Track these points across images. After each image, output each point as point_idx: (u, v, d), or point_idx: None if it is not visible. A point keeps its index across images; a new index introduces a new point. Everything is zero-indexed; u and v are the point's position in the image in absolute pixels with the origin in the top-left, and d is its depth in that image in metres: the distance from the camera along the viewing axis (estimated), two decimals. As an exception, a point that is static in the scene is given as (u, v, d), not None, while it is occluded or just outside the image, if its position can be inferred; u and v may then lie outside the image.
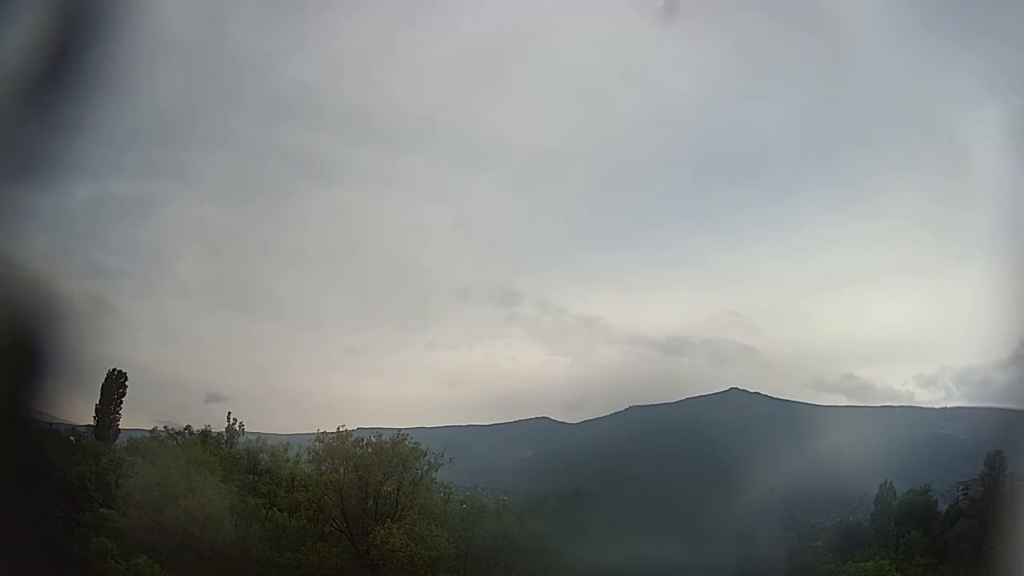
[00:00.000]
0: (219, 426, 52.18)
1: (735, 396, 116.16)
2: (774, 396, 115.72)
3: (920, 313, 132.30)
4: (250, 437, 53.47)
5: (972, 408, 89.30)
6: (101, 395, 53.74)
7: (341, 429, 46.64)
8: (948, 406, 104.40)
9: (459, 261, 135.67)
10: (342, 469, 45.04)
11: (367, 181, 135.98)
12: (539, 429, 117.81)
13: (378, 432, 47.80)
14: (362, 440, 46.14)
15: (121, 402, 55.02)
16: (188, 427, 50.03)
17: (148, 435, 49.62)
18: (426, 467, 46.32)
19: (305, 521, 44.50)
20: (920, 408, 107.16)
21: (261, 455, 51.13)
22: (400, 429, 47.91)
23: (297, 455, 50.40)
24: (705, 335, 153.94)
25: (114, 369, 53.98)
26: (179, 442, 48.28)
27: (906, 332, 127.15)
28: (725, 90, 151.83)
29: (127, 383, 54.93)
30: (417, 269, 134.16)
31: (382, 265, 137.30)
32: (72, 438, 48.97)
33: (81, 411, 49.60)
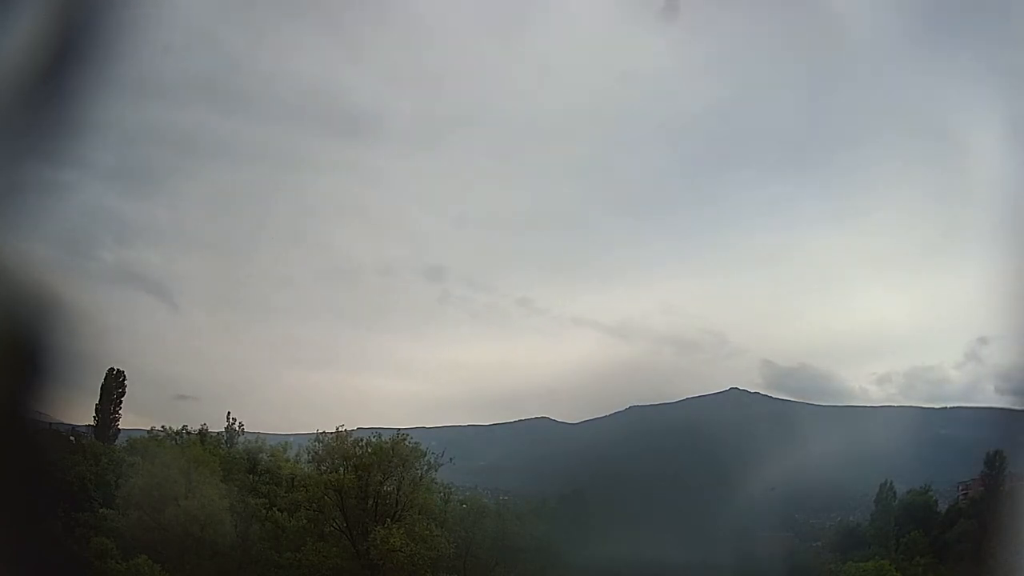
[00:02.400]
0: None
1: (735, 396, 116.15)
2: (774, 396, 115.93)
3: (889, 310, 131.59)
4: (249, 437, 53.59)
5: (972, 408, 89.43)
6: (101, 395, 53.76)
7: (340, 429, 46.69)
8: (948, 406, 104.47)
9: (368, 237, 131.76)
10: (342, 469, 45.01)
11: (255, 159, 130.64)
12: (539, 429, 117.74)
13: (378, 432, 47.78)
14: (362, 440, 46.11)
15: (120, 402, 55.08)
16: (185, 427, 50.08)
17: (147, 435, 49.62)
18: (426, 467, 46.32)
19: (305, 521, 44.50)
20: (920, 408, 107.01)
21: (261, 455, 51.16)
22: (400, 429, 47.89)
23: (297, 455, 50.42)
24: (673, 323, 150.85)
25: (113, 368, 54.06)
26: (178, 442, 48.26)
27: (874, 328, 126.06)
28: (717, 81, 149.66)
29: (126, 382, 55.03)
30: (328, 248, 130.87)
31: (293, 246, 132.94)
32: (72, 438, 48.92)
33: (81, 411, 49.50)
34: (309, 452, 47.15)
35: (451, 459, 49.07)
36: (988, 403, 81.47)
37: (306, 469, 47.80)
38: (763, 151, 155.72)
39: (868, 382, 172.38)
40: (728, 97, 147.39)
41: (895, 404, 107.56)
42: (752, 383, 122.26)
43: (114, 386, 54.39)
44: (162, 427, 49.33)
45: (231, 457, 49.19)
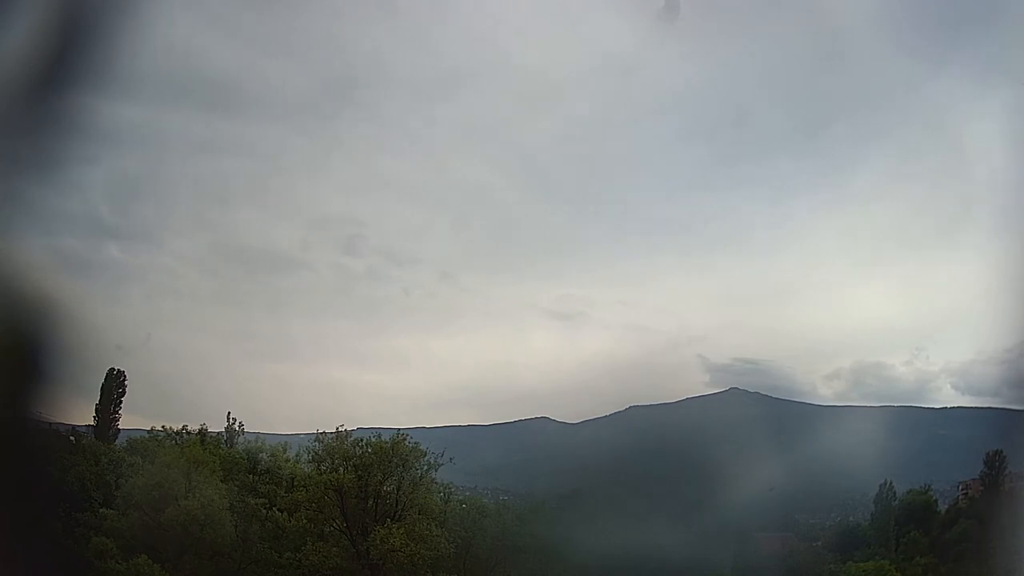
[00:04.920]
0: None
1: (735, 396, 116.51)
2: (774, 396, 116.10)
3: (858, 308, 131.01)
4: (249, 437, 53.61)
5: (972, 408, 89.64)
6: (101, 395, 53.79)
7: (340, 429, 46.71)
8: (948, 406, 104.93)
9: (274, 216, 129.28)
10: (342, 469, 45.01)
11: (136, 142, 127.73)
12: (539, 429, 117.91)
13: (378, 432, 47.80)
14: (362, 440, 46.12)
15: (121, 402, 55.10)
16: (185, 427, 50.11)
17: (147, 435, 49.64)
18: (426, 467, 46.30)
19: (305, 521, 44.47)
20: (920, 408, 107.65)
21: (261, 455, 51.15)
22: (400, 429, 47.90)
23: (297, 455, 50.41)
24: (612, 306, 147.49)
25: (114, 369, 54.09)
26: (178, 442, 48.27)
27: (834, 325, 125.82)
28: (721, 77, 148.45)
29: (126, 383, 55.06)
30: (241, 231, 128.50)
31: (203, 232, 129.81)
32: (72, 438, 48.88)
33: (81, 411, 49.46)
34: (309, 452, 47.14)
35: (451, 459, 49.02)
36: (987, 403, 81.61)
37: (306, 469, 47.75)
38: (725, 140, 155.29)
39: (817, 379, 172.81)
40: (705, 82, 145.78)
41: (895, 404, 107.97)
42: (703, 382, 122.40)
43: (114, 386, 54.43)
44: (162, 427, 49.44)
45: (231, 457, 49.19)
